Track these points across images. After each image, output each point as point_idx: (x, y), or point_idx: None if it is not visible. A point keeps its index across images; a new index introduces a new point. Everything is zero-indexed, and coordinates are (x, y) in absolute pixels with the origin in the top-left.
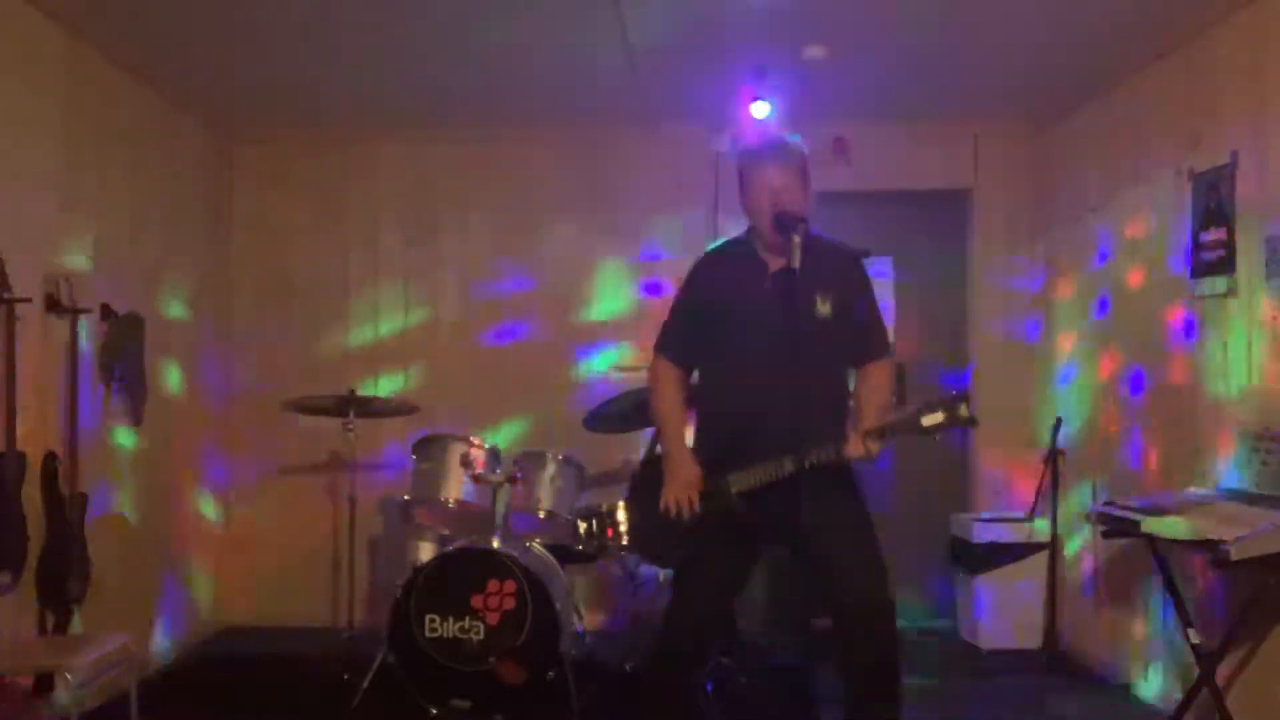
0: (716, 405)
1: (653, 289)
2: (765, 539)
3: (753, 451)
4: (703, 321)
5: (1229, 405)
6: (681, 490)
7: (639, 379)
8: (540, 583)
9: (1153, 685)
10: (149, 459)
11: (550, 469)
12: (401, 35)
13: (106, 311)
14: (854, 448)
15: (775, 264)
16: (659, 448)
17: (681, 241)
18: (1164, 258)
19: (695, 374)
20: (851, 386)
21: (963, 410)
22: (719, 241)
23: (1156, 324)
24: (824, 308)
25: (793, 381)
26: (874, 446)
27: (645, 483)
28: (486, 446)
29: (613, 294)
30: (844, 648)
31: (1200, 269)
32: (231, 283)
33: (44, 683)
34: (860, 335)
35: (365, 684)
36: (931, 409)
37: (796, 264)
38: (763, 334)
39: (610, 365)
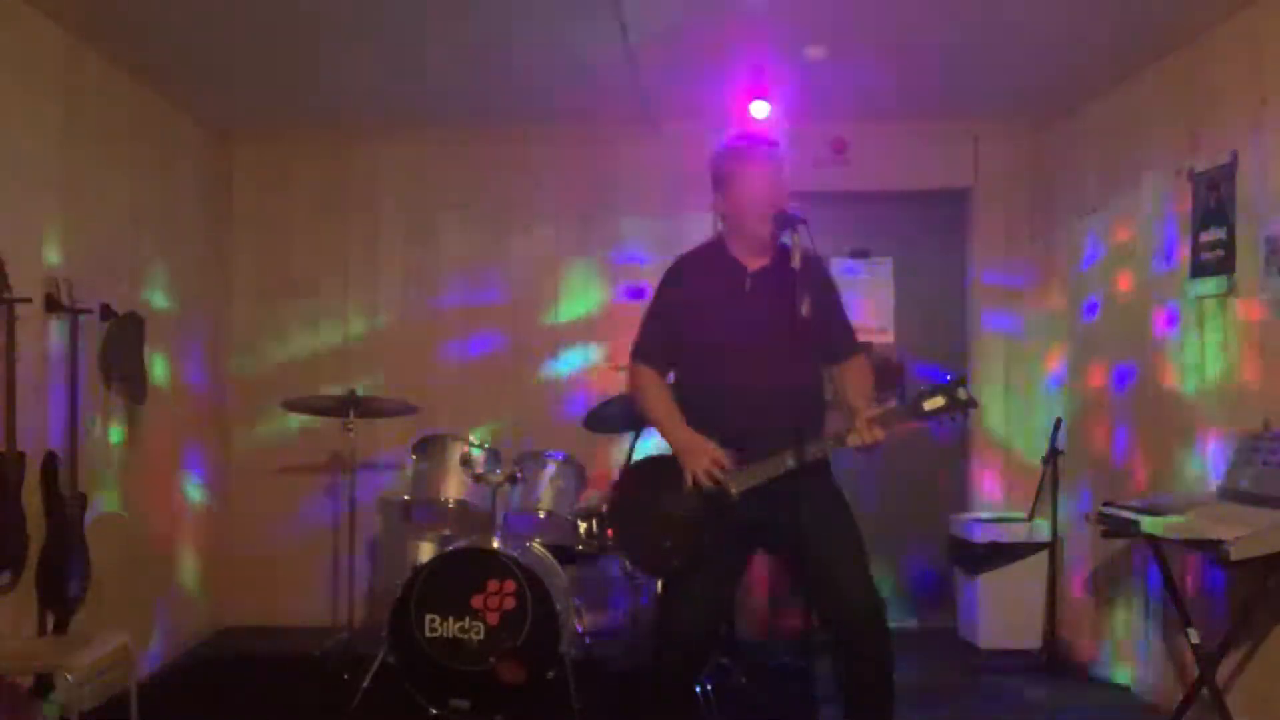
0: (702, 407)
1: (646, 290)
2: (762, 539)
3: (748, 451)
4: (681, 325)
5: (1227, 404)
6: (705, 462)
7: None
8: (540, 583)
9: (1152, 685)
10: (149, 459)
11: (550, 469)
12: (401, 35)
13: (106, 311)
14: (858, 436)
15: (754, 264)
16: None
17: (682, 241)
18: (1163, 258)
19: (670, 377)
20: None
21: (961, 394)
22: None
23: (1155, 324)
24: (804, 307)
25: (782, 379)
26: (879, 434)
27: (630, 492)
28: (486, 447)
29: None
30: (843, 652)
31: (1200, 269)
32: (231, 283)
33: (44, 683)
34: (837, 333)
35: (365, 684)
36: (932, 394)
37: (798, 263)
38: (746, 334)
39: (610, 364)
